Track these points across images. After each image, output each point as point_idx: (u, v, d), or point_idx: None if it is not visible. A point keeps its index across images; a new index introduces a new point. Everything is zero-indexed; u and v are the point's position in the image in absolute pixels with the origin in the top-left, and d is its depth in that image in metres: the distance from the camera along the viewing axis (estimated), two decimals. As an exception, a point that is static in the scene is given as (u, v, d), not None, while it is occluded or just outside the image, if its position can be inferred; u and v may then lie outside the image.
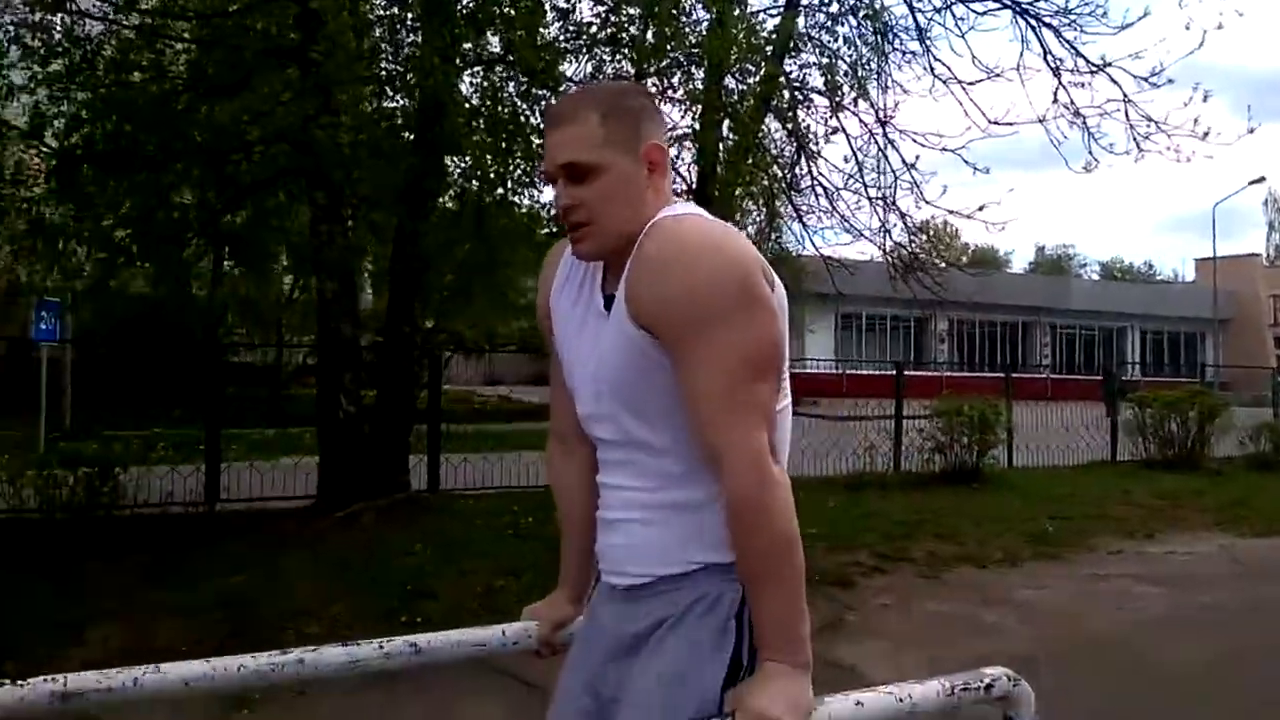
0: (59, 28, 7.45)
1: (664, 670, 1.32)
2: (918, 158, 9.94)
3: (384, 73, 7.17)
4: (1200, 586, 6.37)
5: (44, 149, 8.02)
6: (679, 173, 9.53)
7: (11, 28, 7.07)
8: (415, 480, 9.07)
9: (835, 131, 9.28)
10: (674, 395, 1.32)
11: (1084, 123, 9.61)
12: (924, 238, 12.02)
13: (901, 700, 1.24)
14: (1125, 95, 9.42)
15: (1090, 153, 9.98)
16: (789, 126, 9.51)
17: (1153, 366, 36.67)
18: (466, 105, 7.11)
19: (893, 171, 10.22)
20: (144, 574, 5.88)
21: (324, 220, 8.02)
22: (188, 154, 7.86)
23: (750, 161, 8.37)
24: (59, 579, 5.73)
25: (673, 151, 9.62)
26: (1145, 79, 9.21)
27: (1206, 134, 9.17)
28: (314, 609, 5.27)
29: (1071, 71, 9.60)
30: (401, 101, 7.69)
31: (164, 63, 8.64)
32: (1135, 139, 9.47)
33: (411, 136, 7.69)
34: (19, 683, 1.32)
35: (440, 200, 7.61)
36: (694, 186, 9.01)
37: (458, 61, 6.47)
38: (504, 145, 6.96)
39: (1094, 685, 4.39)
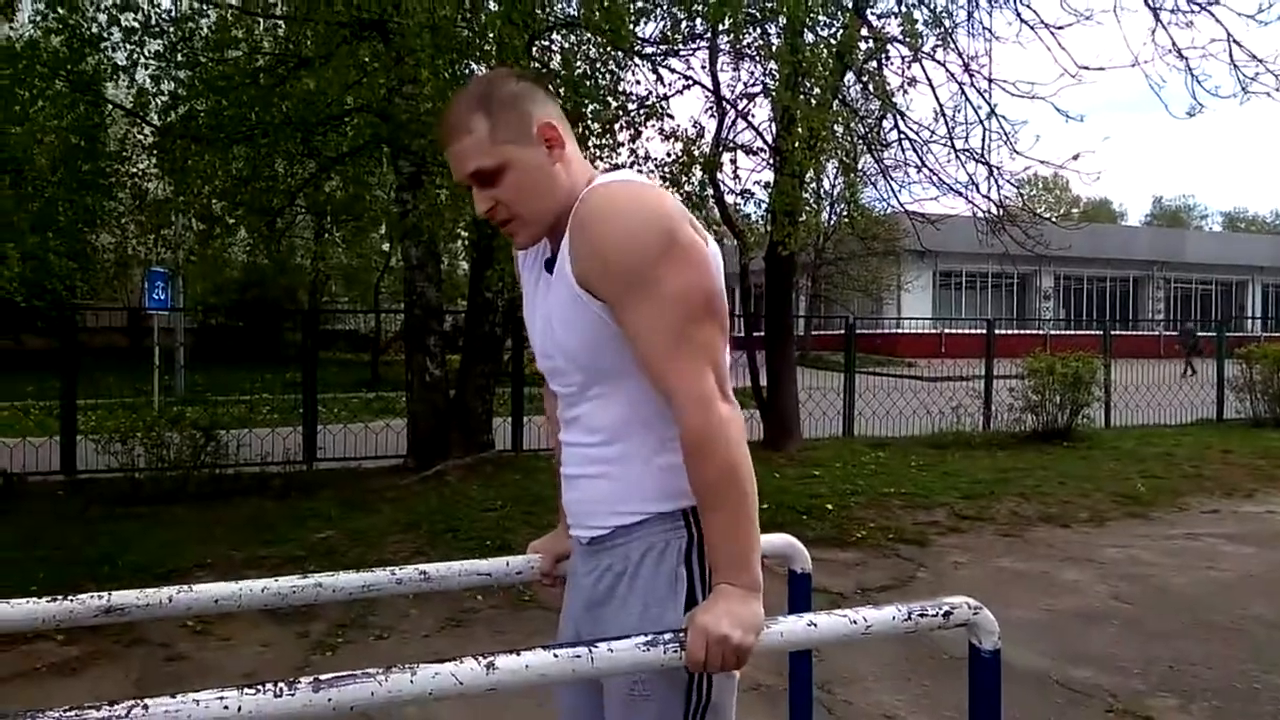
0: (157, 8, 7.81)
1: (628, 625, 1.40)
2: (996, 105, 9.59)
3: (460, 42, 7.28)
4: (1297, 547, 6.12)
5: (147, 125, 8.46)
6: (756, 129, 9.44)
7: (113, 9, 7.43)
8: (500, 441, 9.34)
9: (914, 82, 9.01)
10: (614, 350, 1.39)
11: (1186, 64, 9.13)
12: (1026, 190, 11.64)
13: (855, 623, 1.28)
14: (1230, 34, 8.91)
15: (1194, 96, 9.49)
16: (865, 80, 9.29)
17: (1276, 321, 34.68)
18: (538, 68, 7.19)
19: (981, 122, 9.91)
20: (241, 527, 6.25)
21: (408, 188, 8.26)
22: (279, 127, 8.18)
23: (829, 117, 8.22)
24: (164, 531, 6.15)
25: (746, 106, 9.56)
26: (1252, 16, 8.70)
27: (1320, 72, 8.61)
28: (397, 560, 5.53)
29: (1172, 11, 9.12)
30: (478, 68, 7.80)
31: (255, 39, 8.99)
32: (1240, 80, 8.96)
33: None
34: (69, 597, 1.48)
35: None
36: (773, 144, 8.92)
37: (527, 26, 6.51)
38: (575, 107, 7.01)
39: (1166, 641, 4.29)
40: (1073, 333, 24.84)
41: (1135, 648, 4.24)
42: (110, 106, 8.45)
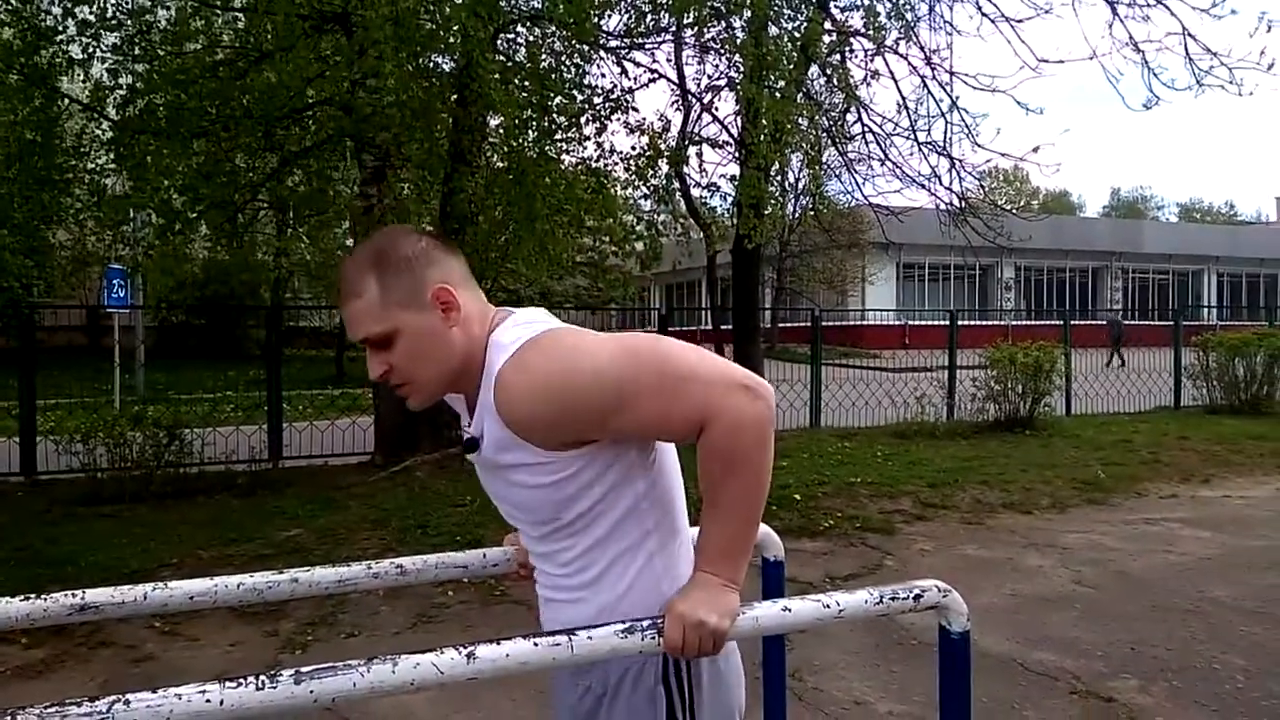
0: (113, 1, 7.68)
1: None
2: (957, 98, 9.70)
3: (424, 34, 7.24)
4: (1252, 530, 6.27)
5: (105, 120, 8.31)
6: (721, 123, 9.47)
7: (68, 2, 7.29)
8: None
9: (877, 76, 9.10)
10: (581, 497, 1.38)
11: (1143, 57, 9.30)
12: (987, 182, 11.81)
13: (828, 607, 1.30)
14: (1185, 28, 9.09)
15: (1150, 89, 9.66)
16: (829, 73, 9.36)
17: (1230, 310, 35.38)
18: (503, 61, 7.17)
19: (943, 115, 10.03)
20: (207, 526, 6.19)
21: (371, 182, 8.20)
22: (240, 120, 8.07)
23: (793, 110, 8.27)
24: (128, 531, 6.07)
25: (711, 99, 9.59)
26: (1206, 10, 8.87)
27: (1272, 66, 8.80)
28: (367, 557, 5.48)
29: (1129, 4, 9.28)
30: (442, 61, 7.77)
31: (215, 31, 8.87)
32: (1195, 73, 9.14)
33: (455, 97, 7.79)
34: (43, 596, 1.47)
35: (482, 159, 7.70)
36: (738, 138, 8.97)
37: (492, 19, 6.50)
38: (540, 100, 7.01)
39: (1126, 624, 4.39)
40: (1033, 323, 25.14)
41: (1097, 631, 4.33)
42: (66, 101, 8.30)
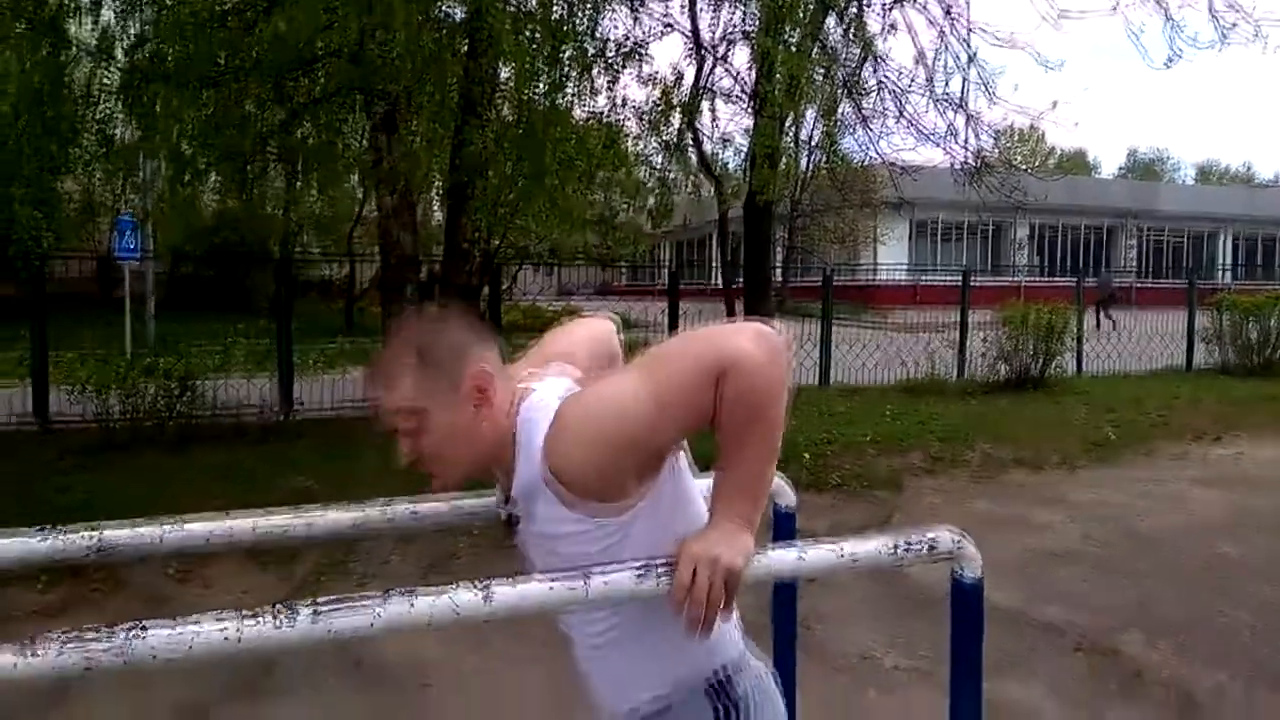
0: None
1: None
2: (975, 51, 9.54)
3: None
4: (1262, 490, 6.26)
5: (113, 66, 8.24)
6: (735, 76, 9.35)
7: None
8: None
9: (894, 29, 8.94)
10: (625, 551, 1.35)
11: (1165, 11, 9.10)
12: (1003, 141, 11.64)
13: (842, 555, 1.29)
14: (1211, -20, 8.87)
15: (1172, 45, 9.46)
16: (846, 25, 9.21)
17: (1245, 271, 35.08)
18: (514, 10, 7.07)
19: (961, 69, 9.86)
20: (220, 475, 6.23)
21: (382, 132, 8.14)
22: (249, 70, 8.00)
23: (809, 63, 8.14)
24: (141, 479, 6.12)
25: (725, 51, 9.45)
26: (1233, -38, 8.66)
27: (1297, 20, 8.61)
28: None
29: (1153, -44, 9.05)
30: (453, 10, 7.66)
31: (224, -23, 8.74)
32: (1219, 28, 8.95)
33: (465, 47, 7.70)
34: (60, 533, 1.48)
35: (493, 111, 7.62)
36: (752, 91, 8.85)
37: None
38: (553, 51, 6.91)
39: (1134, 581, 4.40)
40: (1048, 281, 25.03)
41: (1105, 587, 4.35)
42: (74, 48, 8.22)
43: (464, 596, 1.15)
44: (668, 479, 1.40)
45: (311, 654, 3.49)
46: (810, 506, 5.59)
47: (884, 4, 9.06)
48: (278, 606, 1.06)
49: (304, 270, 24.05)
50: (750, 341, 1.27)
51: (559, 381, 1.46)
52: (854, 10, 9.16)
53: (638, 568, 1.24)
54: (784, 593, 1.94)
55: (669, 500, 1.39)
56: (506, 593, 1.18)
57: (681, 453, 1.45)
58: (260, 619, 1.05)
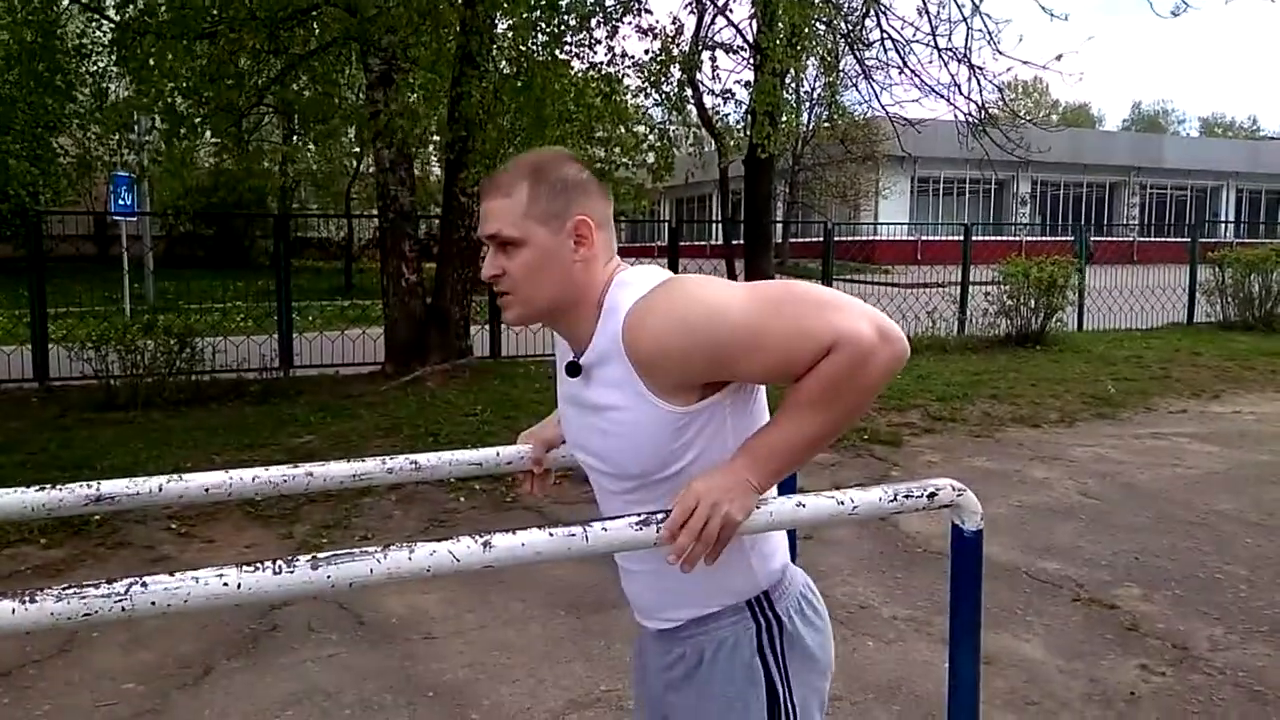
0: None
1: (712, 715, 1.43)
2: (980, 1, 9.39)
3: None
4: (1261, 445, 6.28)
5: (106, 21, 8.13)
6: (736, 27, 9.23)
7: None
8: (478, 347, 9.32)
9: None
10: (674, 453, 1.34)
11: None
12: (1007, 93, 11.51)
13: (842, 504, 1.29)
14: (1220, -71, 8.73)
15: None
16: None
17: (1248, 227, 34.91)
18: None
19: (965, 20, 9.74)
20: (220, 432, 6.25)
21: (378, 87, 8.05)
22: (244, 21, 7.88)
23: (811, 13, 8.02)
24: (142, 437, 6.14)
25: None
26: (1243, -90, 8.50)
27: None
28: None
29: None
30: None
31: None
32: (1228, -23, 8.79)
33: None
34: (58, 486, 1.47)
35: (490, 63, 7.52)
36: (754, 43, 8.73)
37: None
38: (552, 1, 6.81)
39: (1131, 535, 4.43)
40: (1049, 238, 24.88)
41: (1102, 541, 4.37)
42: (67, 1, 8.11)
43: (463, 546, 1.14)
44: (737, 409, 1.37)
45: (314, 610, 3.52)
46: (810, 464, 5.61)
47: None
48: (277, 560, 1.06)
49: (302, 227, 23.95)
50: (875, 333, 1.25)
51: (656, 270, 1.43)
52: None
53: (638, 518, 1.23)
54: (784, 545, 1.94)
55: (730, 428, 1.37)
56: (506, 541, 1.17)
57: (760, 391, 1.43)
58: (260, 569, 1.05)
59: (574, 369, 1.43)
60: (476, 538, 1.16)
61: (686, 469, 1.36)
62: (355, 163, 19.57)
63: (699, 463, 1.35)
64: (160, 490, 1.51)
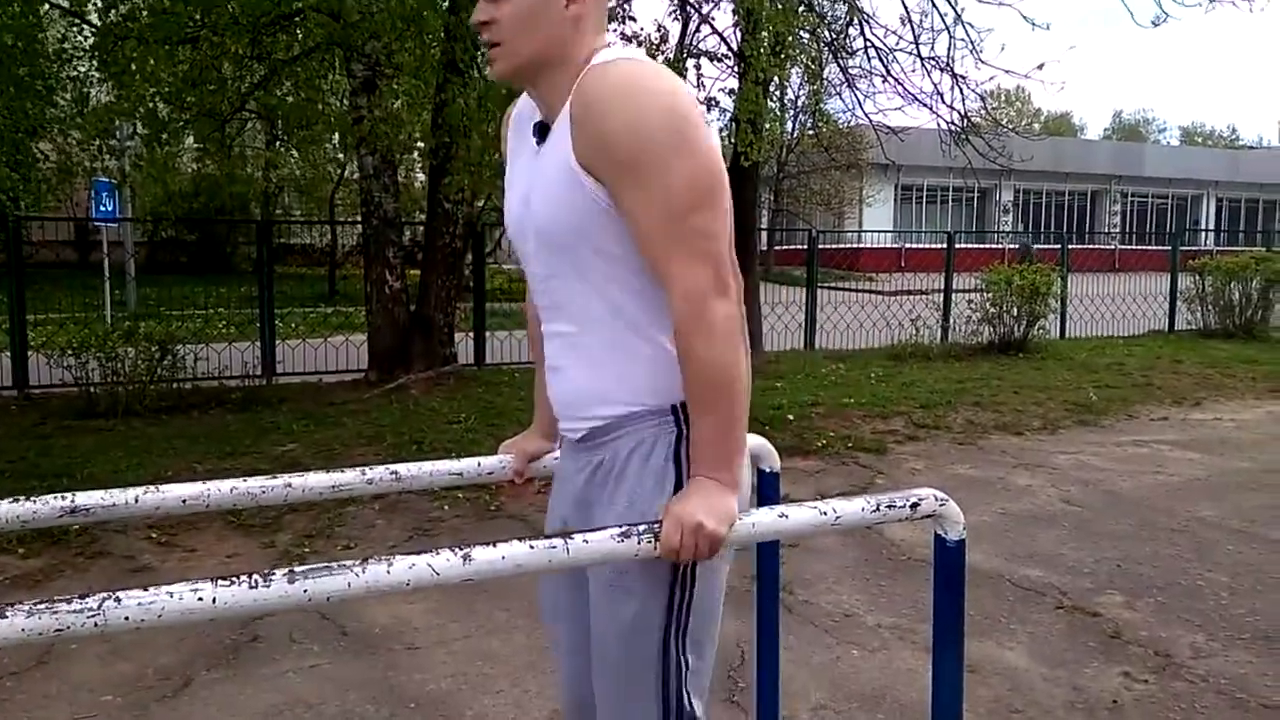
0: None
1: (613, 521, 1.40)
2: (963, 10, 9.45)
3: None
4: (1241, 452, 6.32)
5: (87, 25, 8.07)
6: (721, 35, 9.25)
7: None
8: (462, 354, 9.29)
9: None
10: (599, 233, 1.36)
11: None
12: (990, 101, 11.56)
13: (825, 514, 1.29)
14: (1199, -60, 8.82)
15: (1160, 4, 9.42)
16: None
17: (1228, 235, 35.24)
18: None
19: (948, 29, 9.77)
20: (201, 440, 6.20)
21: (362, 93, 8.02)
22: (226, 27, 7.84)
23: (795, 22, 8.04)
24: (122, 445, 6.08)
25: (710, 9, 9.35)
26: (1221, -79, 8.59)
27: (1285, -19, 8.56)
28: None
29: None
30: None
31: (198, -67, 8.54)
32: (1207, -13, 8.89)
33: (446, 3, 7.56)
34: (32, 498, 1.45)
35: (475, 70, 7.51)
36: (738, 51, 8.74)
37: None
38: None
39: (1114, 542, 4.45)
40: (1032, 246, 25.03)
41: (1084, 548, 4.39)
42: (47, 5, 8.04)
43: (443, 559, 1.13)
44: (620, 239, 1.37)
45: (296, 620, 3.49)
46: (794, 472, 5.62)
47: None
48: (253, 574, 1.05)
49: (285, 233, 23.84)
50: (718, 295, 1.32)
51: (642, 53, 1.43)
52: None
53: (620, 530, 1.23)
54: (767, 554, 1.94)
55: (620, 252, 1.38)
56: (486, 554, 1.16)
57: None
58: (236, 584, 1.04)
59: (542, 129, 1.43)
60: (456, 550, 1.15)
61: (615, 257, 1.36)
62: (339, 169, 19.49)
63: (630, 264, 1.36)
64: (136, 502, 1.49)
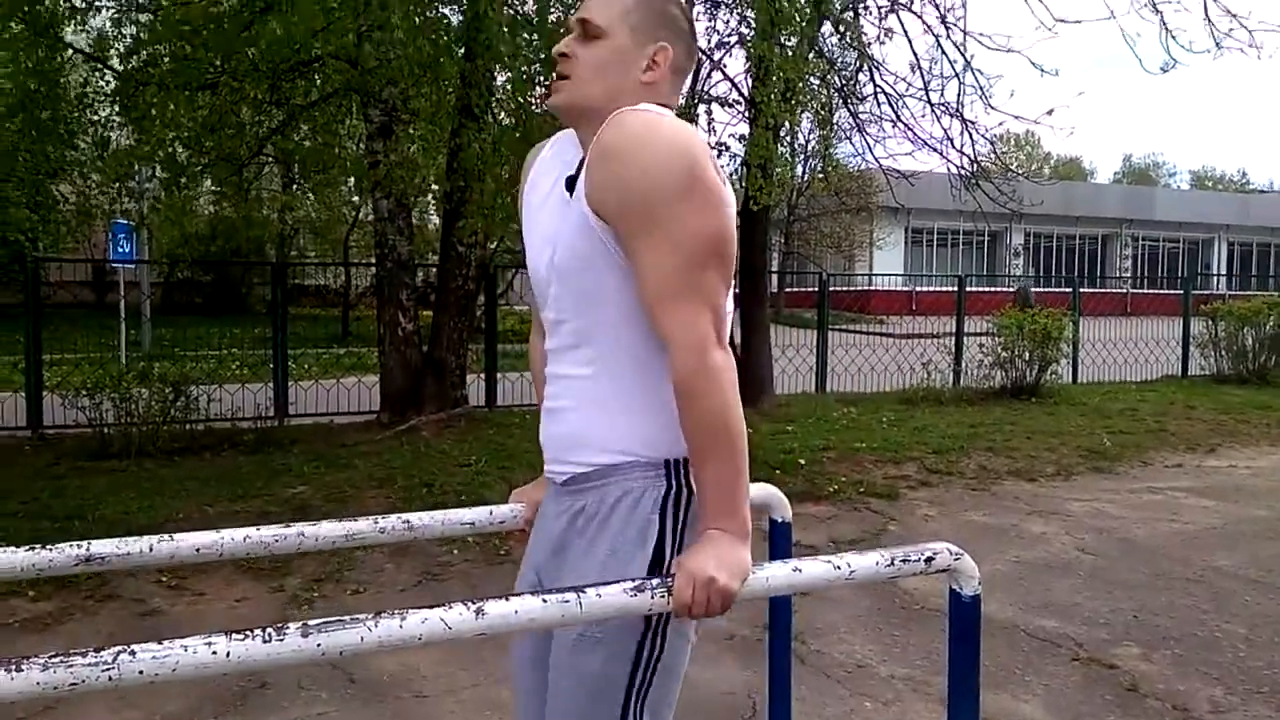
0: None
1: (589, 570, 1.40)
2: (972, 57, 9.54)
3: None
4: (1257, 499, 6.26)
5: (108, 71, 8.23)
6: (732, 81, 9.36)
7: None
8: (474, 396, 9.31)
9: (891, 34, 8.95)
10: (614, 283, 1.38)
11: (1161, 18, 9.11)
12: (1000, 146, 11.64)
13: (839, 569, 1.29)
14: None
15: (1168, 51, 9.51)
16: (842, 31, 9.21)
17: (1240, 280, 35.17)
18: (511, 14, 7.06)
19: (957, 75, 9.87)
20: (213, 482, 6.21)
21: (378, 138, 8.13)
22: (246, 73, 7.98)
23: (805, 69, 8.13)
24: (135, 486, 6.09)
25: (722, 56, 9.47)
26: (1227, -29, 8.68)
27: (1292, 30, 8.63)
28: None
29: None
30: (450, 13, 7.66)
31: (220, -19, 8.73)
32: (1214, 35, 8.96)
33: (462, 50, 7.69)
34: (48, 546, 1.46)
35: (490, 116, 7.61)
36: (749, 97, 8.84)
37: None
38: (549, 55, 6.90)
39: (1129, 592, 4.39)
40: (1044, 289, 25.03)
41: (1100, 598, 4.34)
42: (70, 50, 8.21)
43: (455, 614, 1.13)
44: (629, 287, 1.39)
45: (305, 667, 3.47)
46: (806, 517, 5.58)
47: (880, 9, 9.07)
48: (267, 628, 1.05)
49: (300, 274, 24.04)
50: (719, 350, 1.34)
51: (664, 110, 1.43)
52: (850, 16, 9.17)
53: (633, 585, 1.23)
54: (779, 605, 1.92)
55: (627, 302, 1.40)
56: (499, 609, 1.16)
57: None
58: (249, 637, 1.04)
59: (569, 182, 1.46)
60: (469, 605, 1.14)
61: (627, 306, 1.38)
62: (354, 211, 19.69)
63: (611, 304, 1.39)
64: (151, 550, 1.50)
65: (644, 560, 1.38)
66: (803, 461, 6.97)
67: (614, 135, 1.33)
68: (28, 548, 1.43)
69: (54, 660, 0.98)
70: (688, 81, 1.50)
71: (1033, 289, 22.64)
